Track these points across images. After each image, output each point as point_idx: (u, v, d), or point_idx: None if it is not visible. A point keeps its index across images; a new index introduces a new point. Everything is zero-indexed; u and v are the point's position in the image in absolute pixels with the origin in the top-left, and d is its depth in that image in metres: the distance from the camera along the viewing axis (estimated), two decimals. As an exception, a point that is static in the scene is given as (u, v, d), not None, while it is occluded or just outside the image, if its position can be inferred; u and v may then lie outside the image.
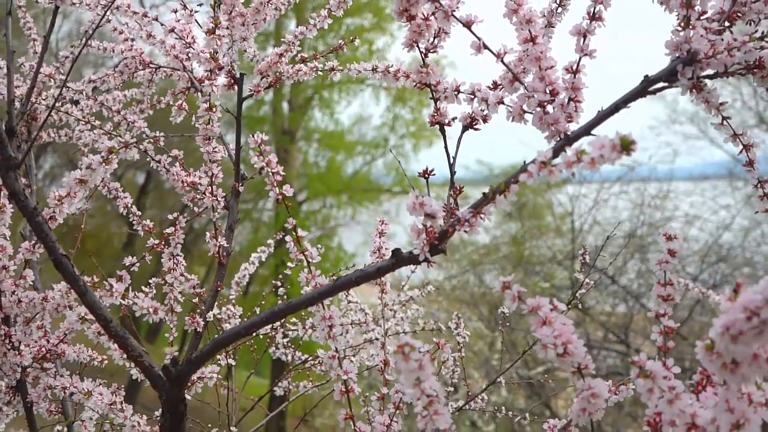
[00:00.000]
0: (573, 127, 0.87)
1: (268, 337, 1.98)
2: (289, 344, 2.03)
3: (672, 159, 8.49)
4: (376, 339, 1.68)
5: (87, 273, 1.14)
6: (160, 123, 1.63)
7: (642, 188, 8.08)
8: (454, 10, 0.89)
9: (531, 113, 0.89)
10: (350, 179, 11.50)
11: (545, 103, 0.87)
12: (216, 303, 1.47)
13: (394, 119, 11.66)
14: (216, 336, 1.06)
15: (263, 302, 2.15)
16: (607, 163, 0.67)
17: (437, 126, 1.02)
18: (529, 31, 0.87)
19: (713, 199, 8.07)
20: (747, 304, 0.56)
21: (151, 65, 1.50)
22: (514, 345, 6.58)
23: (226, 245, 1.29)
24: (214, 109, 1.18)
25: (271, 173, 0.99)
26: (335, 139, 11.58)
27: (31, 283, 1.21)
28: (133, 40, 1.47)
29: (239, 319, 1.78)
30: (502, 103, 0.94)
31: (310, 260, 0.97)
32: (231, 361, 1.70)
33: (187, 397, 1.12)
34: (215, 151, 1.25)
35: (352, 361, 1.81)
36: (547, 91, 0.88)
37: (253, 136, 1.00)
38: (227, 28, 1.27)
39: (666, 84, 0.81)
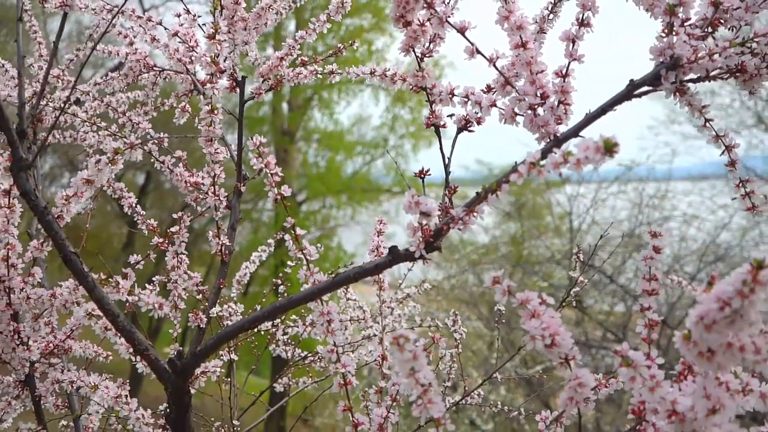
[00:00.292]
0: (563, 128, 0.90)
1: (269, 334, 2.02)
2: (290, 341, 2.06)
3: (670, 159, 8.52)
4: (374, 335, 1.72)
5: (92, 271, 1.18)
6: (160, 124, 1.66)
7: (640, 188, 8.10)
8: (449, 17, 0.93)
9: (522, 116, 0.93)
10: (350, 179, 11.53)
11: (536, 106, 0.91)
12: (217, 301, 1.50)
13: (393, 119, 11.70)
14: (219, 330, 1.09)
15: (264, 300, 2.19)
16: (592, 164, 0.70)
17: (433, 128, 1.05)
18: (520, 36, 0.90)
19: (711, 198, 8.11)
20: (720, 295, 0.59)
21: (155, 68, 1.54)
22: (513, 344, 6.61)
23: (228, 244, 1.33)
24: (216, 112, 1.22)
25: (270, 174, 1.02)
26: (335, 139, 11.61)
27: (39, 281, 1.24)
28: (134, 36, 1.50)
29: (240, 317, 1.81)
30: (495, 105, 0.98)
31: (309, 258, 1.01)
32: (233, 356, 1.74)
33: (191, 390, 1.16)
34: (217, 152, 1.29)
35: (350, 356, 1.85)
36: (538, 95, 0.91)
37: (252, 138, 1.04)
38: (229, 32, 1.30)
39: (650, 88, 0.84)
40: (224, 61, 1.30)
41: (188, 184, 1.35)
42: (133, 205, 1.47)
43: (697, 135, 8.53)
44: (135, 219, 1.50)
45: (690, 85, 0.86)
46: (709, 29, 0.86)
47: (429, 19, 0.94)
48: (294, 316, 2.07)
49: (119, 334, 1.13)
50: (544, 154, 0.87)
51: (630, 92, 0.85)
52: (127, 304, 1.24)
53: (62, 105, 1.24)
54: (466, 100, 1.00)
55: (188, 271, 1.34)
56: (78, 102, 1.60)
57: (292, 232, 1.01)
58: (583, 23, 0.91)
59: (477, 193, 0.84)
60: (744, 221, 7.47)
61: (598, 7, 0.92)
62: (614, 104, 0.85)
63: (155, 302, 1.22)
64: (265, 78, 1.48)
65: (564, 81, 0.90)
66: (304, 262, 1.01)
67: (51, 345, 1.28)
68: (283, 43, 1.48)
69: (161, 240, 1.32)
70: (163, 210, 10.53)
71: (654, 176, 8.43)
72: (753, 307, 0.59)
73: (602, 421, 6.60)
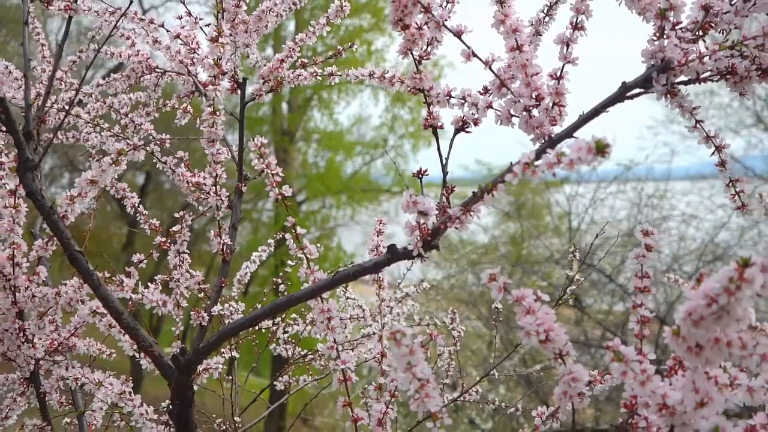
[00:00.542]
0: (557, 130, 0.93)
1: (270, 332, 2.04)
2: (290, 339, 2.08)
3: (669, 158, 8.54)
4: (374, 334, 1.74)
5: (96, 270, 1.20)
6: (160, 124, 1.68)
7: (639, 188, 8.12)
8: (446, 20, 0.95)
9: (518, 117, 0.95)
10: (349, 179, 11.55)
11: (531, 108, 0.93)
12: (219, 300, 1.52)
13: (393, 119, 11.72)
14: (221, 328, 1.12)
15: (264, 299, 2.21)
16: (585, 164, 0.72)
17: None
18: (516, 40, 0.93)
19: (710, 198, 8.12)
20: (707, 291, 0.62)
21: (156, 70, 1.56)
22: (512, 343, 6.63)
23: (230, 243, 1.35)
24: (217, 113, 1.24)
25: (270, 175, 1.04)
26: (334, 139, 11.63)
27: (44, 279, 1.26)
28: (135, 38, 1.51)
29: (241, 315, 1.83)
30: (491, 107, 1.00)
31: (309, 256, 1.03)
32: (234, 354, 1.76)
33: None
34: (219, 153, 1.31)
35: (349, 353, 1.86)
36: (533, 96, 0.93)
37: (253, 139, 1.06)
38: (230, 35, 1.32)
39: (642, 90, 0.86)
40: (226, 63, 1.32)
41: (190, 185, 1.37)
42: (136, 205, 1.49)
43: (696, 135, 8.54)
44: (136, 219, 1.52)
45: (682, 87, 0.88)
46: (700, 32, 0.88)
47: (426, 23, 0.96)
48: (294, 315, 2.09)
49: (123, 332, 1.15)
50: (539, 154, 0.89)
51: (622, 94, 0.87)
52: (130, 302, 1.26)
53: (66, 106, 1.26)
54: (463, 101, 1.02)
55: (190, 270, 1.36)
56: (80, 103, 1.62)
57: (293, 231, 1.03)
58: (577, 27, 0.93)
59: (473, 192, 0.86)
60: (742, 221, 7.49)
61: (592, 10, 0.94)
62: (607, 106, 0.87)
63: (158, 299, 1.24)
64: (265, 80, 1.50)
65: (558, 83, 0.92)
66: (305, 260, 1.03)
67: (55, 342, 1.30)
68: (283, 45, 1.50)
69: (163, 239, 1.34)
70: (163, 210, 10.54)
71: (653, 176, 8.44)
72: (739, 304, 0.61)
73: (601, 420, 6.61)
